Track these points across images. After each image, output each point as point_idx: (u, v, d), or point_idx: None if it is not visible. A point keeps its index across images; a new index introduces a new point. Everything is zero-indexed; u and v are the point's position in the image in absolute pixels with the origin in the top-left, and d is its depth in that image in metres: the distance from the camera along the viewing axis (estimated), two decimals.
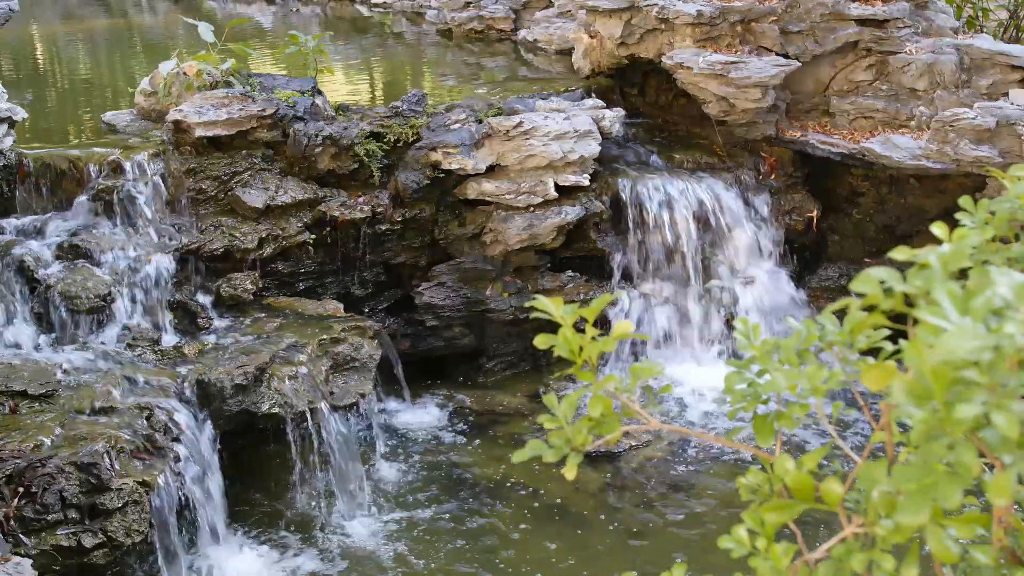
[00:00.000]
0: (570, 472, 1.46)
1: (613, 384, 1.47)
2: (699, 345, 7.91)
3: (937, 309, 1.03)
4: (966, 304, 1.03)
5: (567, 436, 1.44)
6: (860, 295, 1.25)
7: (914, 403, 1.02)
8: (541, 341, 1.48)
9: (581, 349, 1.45)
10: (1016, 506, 1.47)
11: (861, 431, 6.86)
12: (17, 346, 6.16)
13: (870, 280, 1.19)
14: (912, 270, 1.15)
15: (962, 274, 1.18)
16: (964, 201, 1.64)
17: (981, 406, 0.98)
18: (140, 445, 5.44)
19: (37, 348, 6.20)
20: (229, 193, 7.08)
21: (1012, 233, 1.66)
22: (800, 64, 8.01)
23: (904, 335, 1.22)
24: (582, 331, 1.51)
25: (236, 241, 6.93)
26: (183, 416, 5.80)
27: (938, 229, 1.31)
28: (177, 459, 5.60)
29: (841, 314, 1.44)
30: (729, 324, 7.88)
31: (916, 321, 1.09)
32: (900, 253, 1.23)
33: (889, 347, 1.42)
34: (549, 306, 1.44)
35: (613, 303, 7.55)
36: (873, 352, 1.44)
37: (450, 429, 7.23)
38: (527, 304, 1.57)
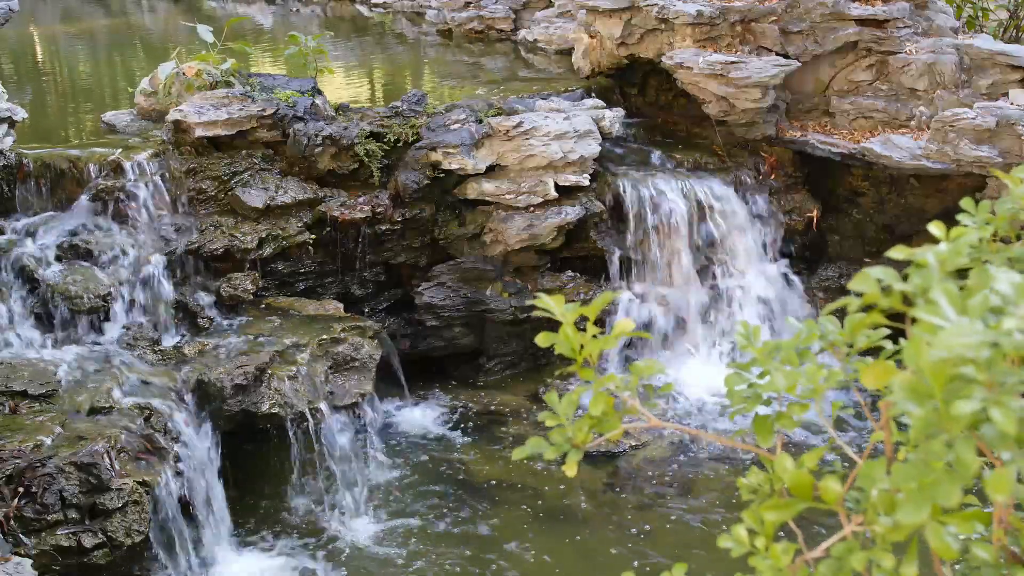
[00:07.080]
0: (571, 469, 1.46)
1: (614, 383, 1.47)
2: (698, 345, 7.90)
3: (935, 307, 1.03)
4: (964, 303, 1.04)
5: (568, 434, 1.44)
6: (859, 294, 1.25)
7: (913, 400, 1.02)
8: (542, 339, 1.49)
9: (582, 347, 1.46)
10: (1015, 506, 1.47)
11: (861, 435, 6.87)
12: (17, 346, 6.15)
13: (868, 279, 1.19)
14: (910, 269, 1.15)
15: (962, 274, 1.18)
16: (965, 202, 1.64)
17: (979, 402, 0.98)
18: (140, 445, 5.44)
19: (37, 348, 6.20)
20: (229, 193, 7.08)
21: (1014, 233, 1.67)
22: (800, 64, 8.01)
23: (904, 335, 1.22)
24: (582, 330, 1.52)
25: (236, 241, 6.93)
26: (183, 416, 5.81)
27: (936, 228, 1.31)
28: (177, 459, 5.60)
29: (841, 314, 1.44)
30: (729, 324, 7.88)
31: (915, 320, 1.09)
32: (898, 252, 1.24)
33: (890, 346, 1.42)
34: (551, 304, 1.44)
35: (613, 304, 7.54)
36: (873, 352, 1.44)
37: (450, 429, 7.23)
38: (528, 303, 1.58)
